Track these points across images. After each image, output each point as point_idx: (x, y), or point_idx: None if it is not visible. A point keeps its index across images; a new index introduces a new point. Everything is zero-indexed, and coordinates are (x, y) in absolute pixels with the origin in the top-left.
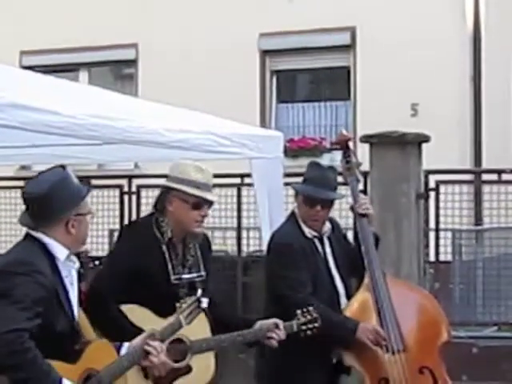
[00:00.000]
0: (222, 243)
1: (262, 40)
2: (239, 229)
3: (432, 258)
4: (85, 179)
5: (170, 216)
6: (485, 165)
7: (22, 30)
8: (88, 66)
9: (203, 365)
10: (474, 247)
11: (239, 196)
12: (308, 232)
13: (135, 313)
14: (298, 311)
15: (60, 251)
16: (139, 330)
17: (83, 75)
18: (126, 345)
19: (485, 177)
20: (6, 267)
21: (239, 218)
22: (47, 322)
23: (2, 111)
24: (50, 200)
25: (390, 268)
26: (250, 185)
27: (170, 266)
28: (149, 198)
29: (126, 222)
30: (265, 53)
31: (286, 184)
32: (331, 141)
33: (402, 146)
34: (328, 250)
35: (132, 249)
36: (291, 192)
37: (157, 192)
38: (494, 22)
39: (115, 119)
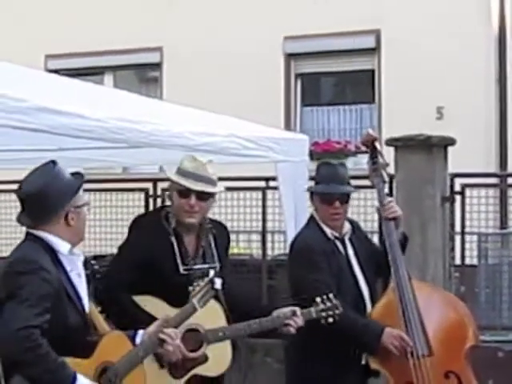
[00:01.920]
0: (247, 246)
1: (287, 43)
2: (264, 232)
3: (458, 261)
4: (77, 174)
5: (172, 207)
6: (510, 168)
7: (46, 33)
8: (113, 69)
9: (220, 354)
10: (499, 251)
11: (264, 199)
12: (330, 233)
13: (148, 303)
14: (318, 298)
15: (62, 246)
16: (153, 319)
17: (108, 79)
18: (140, 333)
19: (510, 180)
20: (10, 268)
21: (264, 221)
22: (57, 316)
23: (28, 115)
24: (46, 196)
25: (416, 271)
26: (275, 188)
27: (178, 257)
28: None
29: None
30: (289, 56)
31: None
32: (356, 144)
33: (427, 149)
34: (350, 251)
35: (140, 240)
36: None
37: None
38: None
39: (141, 122)
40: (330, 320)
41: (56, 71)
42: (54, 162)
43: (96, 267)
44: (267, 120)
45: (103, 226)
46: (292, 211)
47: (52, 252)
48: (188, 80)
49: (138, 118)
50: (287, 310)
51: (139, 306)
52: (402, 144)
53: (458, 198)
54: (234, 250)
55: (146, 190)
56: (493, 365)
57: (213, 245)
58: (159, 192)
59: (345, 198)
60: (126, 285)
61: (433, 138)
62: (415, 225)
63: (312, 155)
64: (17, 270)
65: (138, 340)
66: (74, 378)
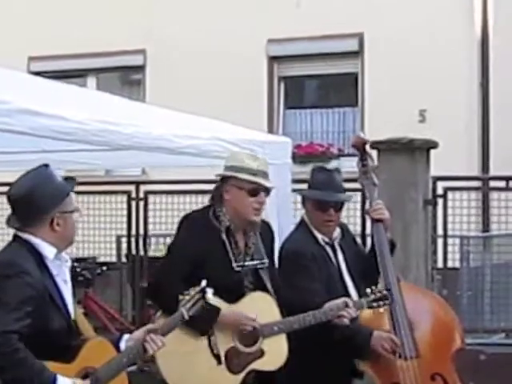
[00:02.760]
0: None
1: (270, 46)
2: None
3: (440, 264)
4: (70, 178)
5: (227, 205)
6: (492, 171)
7: (30, 35)
8: (96, 71)
9: (276, 348)
10: (481, 254)
11: None
12: (321, 238)
13: None
14: (368, 290)
15: (48, 250)
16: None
17: (91, 81)
18: (124, 338)
19: (492, 183)
20: None
21: None
22: (40, 320)
23: (10, 117)
24: (32, 199)
25: (398, 274)
26: None
27: (231, 254)
28: (156, 204)
29: (133, 227)
30: (273, 59)
31: (294, 190)
32: (339, 147)
33: (410, 152)
34: (340, 256)
35: (192, 237)
36: (299, 198)
37: (164, 198)
38: (503, 28)
39: (123, 125)
40: (381, 310)
41: (39, 73)
42: (46, 166)
43: (78, 269)
44: (250, 123)
45: (85, 229)
46: (275, 214)
47: (38, 255)
48: (171, 82)
49: (120, 121)
50: (339, 301)
51: None
52: (384, 147)
53: (440, 201)
54: None
55: (128, 193)
56: (475, 368)
57: (260, 241)
58: (142, 195)
59: (339, 206)
60: (179, 284)
61: (415, 141)
62: (397, 228)
63: (295, 158)
64: None
65: (122, 345)
66: (54, 380)
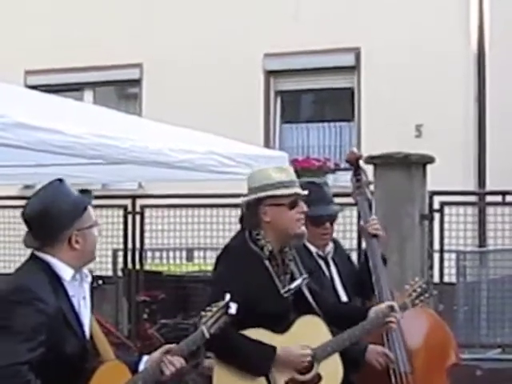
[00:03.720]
0: None
1: (267, 60)
2: None
3: (436, 279)
4: (86, 191)
5: (267, 228)
6: (489, 186)
7: (26, 49)
8: (92, 85)
9: (331, 369)
10: (478, 269)
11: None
12: (315, 252)
13: (252, 335)
14: (407, 286)
15: (65, 271)
16: (270, 347)
17: (88, 95)
18: (144, 359)
19: (489, 198)
20: (5, 295)
21: None
22: (54, 345)
23: (6, 131)
24: (47, 218)
25: (394, 289)
26: None
27: (276, 280)
28: (152, 218)
29: (129, 241)
30: (269, 73)
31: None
32: (335, 161)
33: (406, 166)
34: (333, 270)
35: (235, 272)
36: None
37: (160, 212)
38: (499, 41)
39: (120, 139)
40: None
41: (35, 87)
42: (60, 180)
43: None
44: (246, 137)
45: None
46: None
47: (55, 276)
48: (167, 96)
49: (117, 135)
50: (383, 306)
51: (250, 338)
52: (381, 162)
53: (436, 215)
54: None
55: (124, 207)
56: (471, 383)
57: (295, 255)
58: (138, 209)
59: (333, 218)
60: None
61: (412, 156)
62: (394, 242)
63: None
64: (11, 299)
65: (141, 367)
66: None
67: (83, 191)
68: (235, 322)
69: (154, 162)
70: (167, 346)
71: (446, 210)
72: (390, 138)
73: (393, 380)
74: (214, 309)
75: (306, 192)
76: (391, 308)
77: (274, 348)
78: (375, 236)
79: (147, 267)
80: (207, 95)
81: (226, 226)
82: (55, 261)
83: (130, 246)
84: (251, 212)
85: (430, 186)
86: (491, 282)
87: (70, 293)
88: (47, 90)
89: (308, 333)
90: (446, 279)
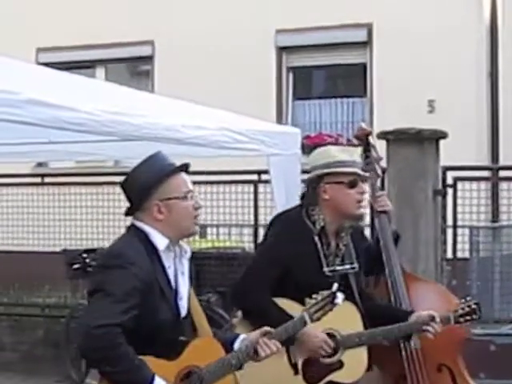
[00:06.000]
0: (239, 240)
1: (279, 36)
2: (256, 226)
3: (449, 254)
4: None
5: (325, 206)
6: (502, 161)
7: (38, 27)
8: (104, 62)
9: (355, 360)
10: (491, 244)
11: (256, 193)
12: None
13: (286, 307)
14: (458, 301)
15: (159, 240)
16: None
17: (100, 72)
18: (240, 338)
19: (502, 173)
20: (100, 261)
21: (256, 214)
22: (146, 313)
23: (19, 107)
24: (130, 187)
25: (407, 265)
26: (266, 181)
27: (322, 257)
28: None
29: None
30: (281, 49)
31: (303, 181)
32: (347, 137)
33: (419, 142)
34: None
35: (285, 237)
36: None
37: None
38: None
39: (132, 115)
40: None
41: (47, 64)
42: (159, 152)
43: (87, 261)
44: (259, 113)
45: (94, 220)
46: (284, 204)
47: (150, 246)
48: (179, 73)
49: (130, 111)
50: (425, 314)
51: (282, 308)
52: (393, 137)
53: (449, 191)
54: (225, 243)
55: None
56: (484, 358)
57: (351, 244)
58: None
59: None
60: (266, 285)
61: (424, 132)
62: (407, 218)
63: (304, 148)
64: (106, 264)
65: (236, 345)
66: (152, 380)
67: (183, 165)
68: (274, 286)
69: (167, 139)
70: (266, 329)
71: (459, 185)
72: (402, 113)
73: (403, 354)
74: (320, 297)
75: (366, 174)
76: (432, 318)
77: (305, 322)
78: (384, 212)
79: None
80: (219, 72)
81: (238, 202)
82: (150, 230)
83: None
84: (311, 189)
85: (443, 161)
86: (504, 257)
87: (166, 264)
88: (59, 68)
89: (340, 318)
90: (459, 255)
